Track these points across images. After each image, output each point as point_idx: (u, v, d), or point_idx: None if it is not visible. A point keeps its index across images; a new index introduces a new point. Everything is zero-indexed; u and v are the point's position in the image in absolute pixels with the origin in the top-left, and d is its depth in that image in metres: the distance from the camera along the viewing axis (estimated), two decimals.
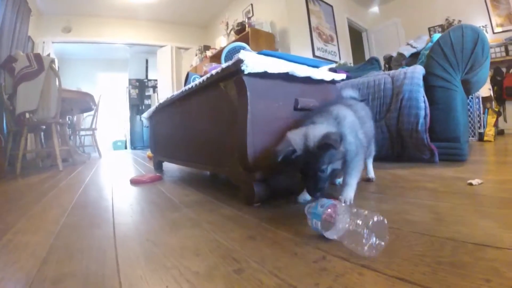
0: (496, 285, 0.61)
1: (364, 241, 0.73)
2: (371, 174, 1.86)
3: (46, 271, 0.83)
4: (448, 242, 0.84)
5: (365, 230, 0.73)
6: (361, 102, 1.72)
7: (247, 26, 5.87)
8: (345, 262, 0.77)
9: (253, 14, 6.67)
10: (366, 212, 0.78)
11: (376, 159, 2.47)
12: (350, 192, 1.33)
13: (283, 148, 1.16)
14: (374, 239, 0.72)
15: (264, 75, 1.39)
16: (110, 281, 0.76)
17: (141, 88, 10.90)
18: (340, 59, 6.70)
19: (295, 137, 1.17)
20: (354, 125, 1.35)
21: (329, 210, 0.88)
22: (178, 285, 0.71)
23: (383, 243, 0.73)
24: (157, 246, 0.98)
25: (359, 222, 0.76)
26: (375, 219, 0.74)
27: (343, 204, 0.89)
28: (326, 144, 1.08)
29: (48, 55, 5.84)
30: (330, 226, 0.85)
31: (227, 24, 6.91)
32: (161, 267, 0.81)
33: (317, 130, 1.16)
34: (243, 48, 2.13)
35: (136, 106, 10.74)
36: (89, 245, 1.03)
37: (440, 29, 6.81)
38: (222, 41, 6.89)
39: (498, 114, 5.39)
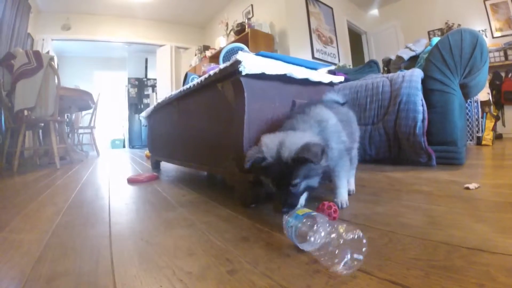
0: None
1: (336, 259, 0.71)
2: (352, 186, 1.64)
3: (40, 270, 0.83)
4: (442, 246, 0.84)
5: (337, 247, 0.71)
6: (344, 106, 1.61)
7: (246, 26, 5.88)
8: None
9: (253, 15, 6.66)
10: (344, 226, 0.75)
11: (374, 162, 2.48)
12: (344, 194, 1.32)
13: (253, 153, 1.07)
14: (348, 256, 0.69)
15: (262, 76, 1.39)
16: (104, 280, 0.76)
17: (140, 87, 10.87)
18: (339, 61, 6.70)
19: (269, 143, 1.08)
20: (337, 128, 1.27)
21: (304, 220, 0.85)
22: (171, 285, 0.71)
23: (360, 258, 0.70)
24: (151, 246, 0.98)
25: (334, 236, 0.74)
26: (351, 235, 0.71)
27: (321, 217, 0.85)
28: (304, 158, 0.97)
29: (48, 52, 5.84)
30: (305, 238, 0.82)
31: (226, 24, 6.91)
32: (154, 267, 0.82)
33: (296, 138, 1.06)
34: (241, 49, 2.13)
35: (135, 105, 10.71)
36: (84, 244, 1.03)
37: (439, 33, 6.83)
38: (221, 41, 6.88)
39: (497, 118, 5.41)
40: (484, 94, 4.91)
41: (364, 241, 0.71)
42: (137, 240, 1.05)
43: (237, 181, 1.47)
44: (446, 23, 6.77)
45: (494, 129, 5.02)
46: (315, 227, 0.80)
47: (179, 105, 2.25)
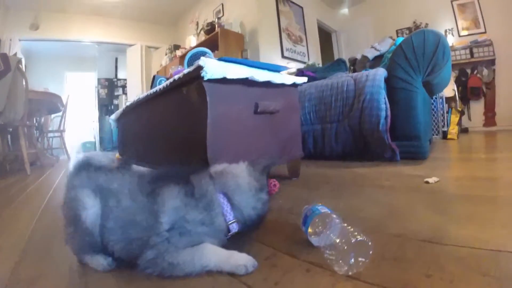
0: (436, 279, 0.65)
1: (341, 259, 0.72)
2: None
3: (20, 273, 0.86)
4: (396, 238, 0.90)
5: (345, 247, 0.72)
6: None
7: (216, 26, 5.84)
8: (294, 260, 0.82)
9: (223, 14, 6.63)
10: (352, 229, 0.76)
11: (341, 158, 2.53)
12: None
13: None
14: (352, 259, 0.71)
15: (224, 81, 1.41)
16: (79, 283, 0.80)
17: (110, 87, 10.62)
18: (308, 59, 6.75)
19: None
20: None
21: (320, 216, 0.88)
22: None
23: (364, 260, 0.73)
24: None
25: (343, 237, 0.74)
26: (359, 238, 0.72)
27: (335, 216, 0.88)
28: None
29: (15, 54, 5.71)
30: (318, 233, 0.85)
31: (197, 23, 6.85)
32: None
33: None
34: (204, 54, 2.15)
35: (105, 106, 10.44)
36: (61, 249, 1.04)
37: (407, 32, 6.95)
38: (192, 41, 6.79)
39: (461, 113, 5.56)
40: (449, 90, 5.06)
41: (370, 243, 0.73)
42: None
43: None
44: (414, 22, 6.91)
45: (459, 123, 5.19)
46: (328, 225, 0.83)
47: (147, 108, 2.24)
